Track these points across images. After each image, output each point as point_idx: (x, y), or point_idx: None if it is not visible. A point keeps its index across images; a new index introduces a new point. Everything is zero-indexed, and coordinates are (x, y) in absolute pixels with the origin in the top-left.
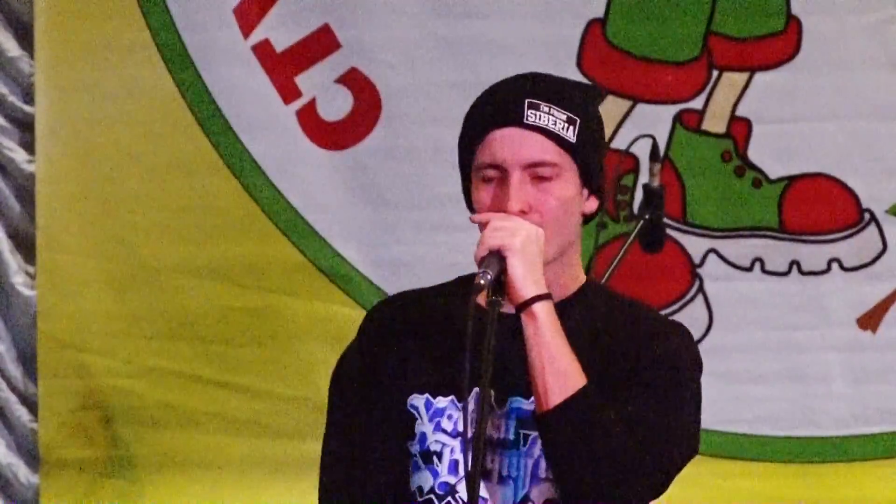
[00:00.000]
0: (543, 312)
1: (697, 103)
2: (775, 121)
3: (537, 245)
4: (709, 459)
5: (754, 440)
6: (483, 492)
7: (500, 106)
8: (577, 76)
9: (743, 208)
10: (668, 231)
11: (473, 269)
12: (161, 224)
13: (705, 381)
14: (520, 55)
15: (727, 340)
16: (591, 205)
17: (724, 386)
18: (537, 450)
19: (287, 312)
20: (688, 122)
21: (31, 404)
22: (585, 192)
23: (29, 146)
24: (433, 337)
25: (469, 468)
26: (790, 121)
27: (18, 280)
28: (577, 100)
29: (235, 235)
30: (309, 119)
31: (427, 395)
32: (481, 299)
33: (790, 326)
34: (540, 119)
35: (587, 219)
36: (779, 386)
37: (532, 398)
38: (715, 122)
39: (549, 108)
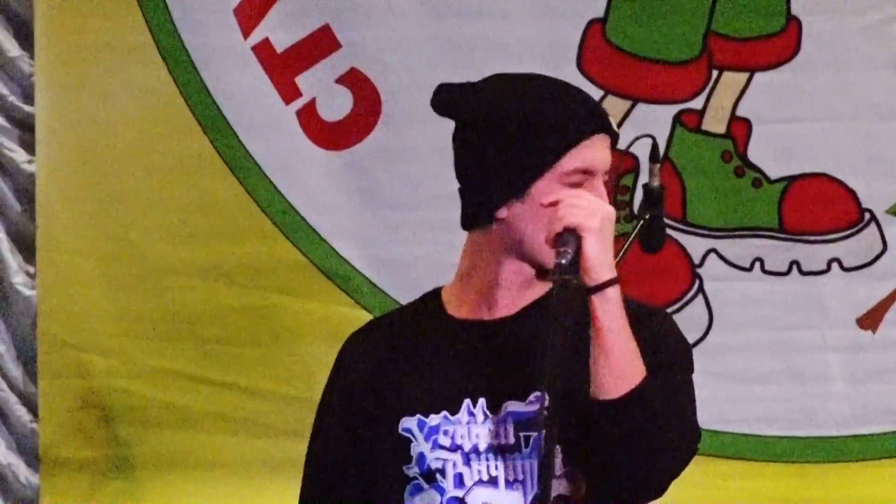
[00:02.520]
0: (616, 297)
1: (697, 103)
2: (775, 121)
3: (612, 228)
4: (709, 459)
5: (754, 440)
6: (492, 499)
7: (590, 113)
8: (577, 76)
9: (743, 208)
10: (668, 231)
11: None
12: (161, 224)
13: (705, 381)
14: (520, 55)
15: (727, 340)
16: None
17: (724, 386)
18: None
19: (287, 312)
20: (688, 122)
21: (31, 404)
22: None
23: (29, 146)
24: (412, 357)
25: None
26: (790, 121)
27: (18, 280)
28: None
29: (235, 235)
30: (309, 119)
31: (418, 415)
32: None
33: (790, 326)
34: (614, 126)
35: None
36: (779, 386)
37: (528, 400)
38: (715, 122)
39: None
